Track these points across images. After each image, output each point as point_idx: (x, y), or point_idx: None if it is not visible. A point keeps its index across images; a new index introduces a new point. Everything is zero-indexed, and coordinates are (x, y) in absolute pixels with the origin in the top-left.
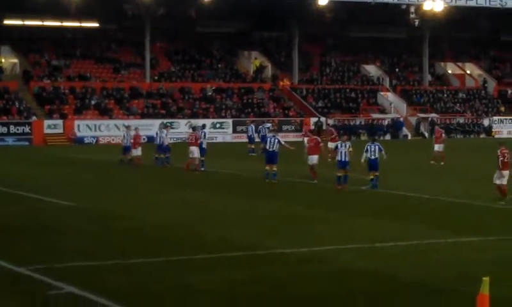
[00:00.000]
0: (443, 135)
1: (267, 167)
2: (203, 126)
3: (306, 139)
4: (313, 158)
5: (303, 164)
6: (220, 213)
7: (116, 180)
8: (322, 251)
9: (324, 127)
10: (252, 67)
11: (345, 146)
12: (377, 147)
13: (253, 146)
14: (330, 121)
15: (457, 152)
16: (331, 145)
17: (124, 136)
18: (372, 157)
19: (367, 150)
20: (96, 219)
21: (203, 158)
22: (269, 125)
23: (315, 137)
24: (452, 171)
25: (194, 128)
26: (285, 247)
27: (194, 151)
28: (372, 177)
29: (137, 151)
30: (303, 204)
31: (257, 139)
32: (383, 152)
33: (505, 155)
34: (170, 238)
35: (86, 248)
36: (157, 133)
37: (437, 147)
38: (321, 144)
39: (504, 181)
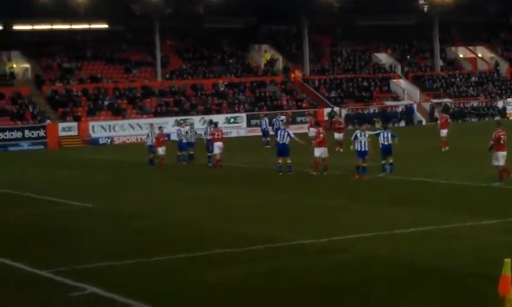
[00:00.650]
0: (449, 120)
1: (280, 160)
2: (210, 122)
3: (312, 130)
4: (319, 151)
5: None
6: (237, 207)
7: (131, 179)
8: (342, 241)
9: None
10: (263, 60)
11: (365, 135)
12: (389, 133)
13: (268, 139)
14: (336, 110)
15: (471, 135)
16: (337, 136)
17: (148, 135)
18: (386, 143)
19: (355, 137)
20: (113, 219)
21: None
22: (283, 117)
23: (320, 128)
24: (467, 154)
25: (216, 124)
26: (304, 239)
27: (221, 146)
28: (383, 162)
29: (161, 151)
30: (319, 195)
31: (272, 132)
32: (396, 139)
33: (501, 136)
34: (188, 235)
35: (105, 248)
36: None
37: (443, 132)
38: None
39: (502, 162)
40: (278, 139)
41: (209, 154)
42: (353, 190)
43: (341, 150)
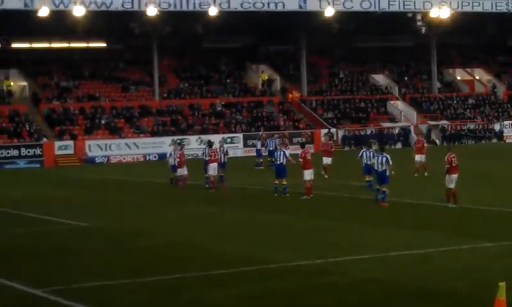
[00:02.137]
0: (425, 144)
1: (277, 181)
2: (209, 143)
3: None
4: (308, 173)
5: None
6: (232, 228)
7: (128, 198)
8: (338, 262)
9: (334, 138)
10: (260, 81)
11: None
12: (384, 158)
13: (261, 160)
14: (332, 131)
15: (468, 158)
16: (326, 161)
17: (171, 154)
18: (380, 169)
19: (361, 155)
20: (110, 238)
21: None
22: (277, 140)
23: (307, 149)
24: (463, 177)
25: (211, 145)
26: (299, 260)
27: (216, 168)
28: (378, 188)
29: (182, 171)
30: (315, 217)
31: (264, 153)
32: (390, 164)
33: (453, 159)
34: (184, 255)
35: (101, 268)
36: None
37: (418, 157)
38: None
39: (453, 185)
40: (275, 160)
41: (206, 175)
42: (348, 212)
43: (326, 176)
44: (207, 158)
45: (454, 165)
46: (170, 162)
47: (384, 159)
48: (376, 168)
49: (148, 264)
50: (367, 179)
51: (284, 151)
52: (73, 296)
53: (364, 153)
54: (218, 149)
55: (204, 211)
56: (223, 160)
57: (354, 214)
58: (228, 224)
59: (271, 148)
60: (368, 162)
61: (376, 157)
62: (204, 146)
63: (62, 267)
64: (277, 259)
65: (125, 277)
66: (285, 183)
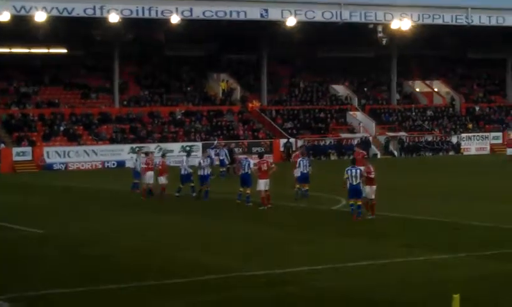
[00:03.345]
0: (366, 156)
1: (241, 189)
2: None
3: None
4: (263, 183)
5: (276, 186)
6: (192, 236)
7: (84, 206)
8: (295, 272)
9: (294, 148)
10: (220, 89)
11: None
12: (358, 171)
13: (224, 169)
14: (292, 141)
15: (426, 170)
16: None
17: (136, 160)
18: (354, 183)
19: (299, 165)
20: (65, 245)
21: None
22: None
23: (265, 160)
24: (422, 189)
25: (146, 153)
26: (258, 269)
27: (151, 176)
28: (352, 202)
29: (163, 179)
30: (275, 226)
31: (217, 162)
32: (364, 176)
33: (372, 171)
34: (141, 263)
35: (57, 275)
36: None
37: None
38: (272, 166)
39: (373, 196)
40: (241, 169)
41: (192, 185)
42: (307, 222)
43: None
44: (143, 166)
45: (371, 176)
46: (135, 167)
47: (358, 172)
48: (350, 181)
49: (102, 272)
50: (298, 186)
51: (249, 161)
52: (28, 304)
53: (301, 161)
54: (184, 161)
55: (164, 219)
56: (205, 173)
57: (313, 224)
58: (188, 233)
59: (221, 157)
60: (305, 171)
61: (350, 170)
62: (136, 156)
63: (16, 274)
64: (235, 268)
65: (80, 285)
66: (248, 192)
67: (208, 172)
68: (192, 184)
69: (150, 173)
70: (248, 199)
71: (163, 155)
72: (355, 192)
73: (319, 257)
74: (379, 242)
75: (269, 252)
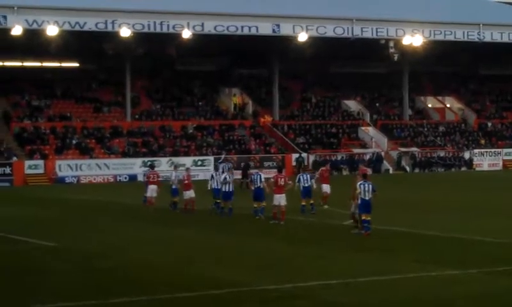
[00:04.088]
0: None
1: (255, 205)
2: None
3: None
4: (278, 198)
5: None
6: (204, 250)
7: (98, 219)
8: (306, 287)
9: (305, 163)
10: (232, 104)
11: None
12: (370, 186)
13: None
14: (304, 156)
15: (438, 185)
16: (325, 188)
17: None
18: (366, 198)
19: (299, 180)
20: (78, 259)
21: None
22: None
23: (283, 174)
24: (433, 204)
25: (152, 166)
26: (269, 284)
27: (154, 189)
28: (364, 218)
29: (190, 193)
30: (287, 241)
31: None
32: (376, 192)
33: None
34: (153, 277)
35: (68, 288)
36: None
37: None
38: (289, 182)
39: (357, 210)
40: (253, 183)
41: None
42: (319, 237)
43: (326, 206)
44: (146, 180)
45: (358, 192)
46: (173, 186)
47: (370, 187)
48: (362, 196)
49: (115, 286)
50: (303, 203)
51: (261, 175)
52: None
53: (301, 177)
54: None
55: (176, 233)
56: (229, 189)
57: (324, 239)
58: (200, 247)
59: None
60: (306, 185)
61: (362, 185)
62: (174, 172)
63: (28, 287)
64: (246, 283)
65: (92, 298)
66: (263, 204)
67: (232, 188)
68: (219, 200)
69: (153, 187)
70: (262, 212)
71: (187, 169)
72: (366, 206)
73: (330, 272)
74: (390, 257)
75: (280, 266)
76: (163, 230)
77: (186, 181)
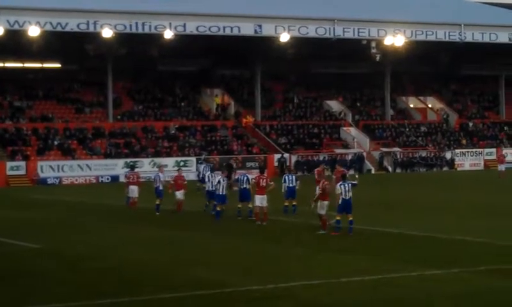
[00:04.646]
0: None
1: (239, 205)
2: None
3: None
4: (259, 199)
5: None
6: (189, 251)
7: (80, 220)
8: (289, 287)
9: (287, 163)
10: (214, 104)
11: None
12: (349, 185)
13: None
14: (286, 157)
15: (420, 185)
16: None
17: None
18: (347, 197)
19: (284, 180)
20: (63, 260)
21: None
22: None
23: (265, 176)
24: (416, 204)
25: (132, 167)
26: (252, 284)
27: (135, 190)
28: (338, 219)
29: (179, 195)
30: (270, 241)
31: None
32: (357, 182)
33: (327, 186)
34: (138, 278)
35: (55, 290)
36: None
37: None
38: (271, 183)
39: (324, 212)
40: (239, 184)
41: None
42: (302, 237)
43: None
44: (126, 180)
45: (327, 192)
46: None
47: (349, 186)
48: (343, 196)
49: (101, 287)
50: (286, 204)
51: (247, 176)
52: None
53: (286, 177)
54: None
55: (161, 234)
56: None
57: (306, 239)
58: (185, 248)
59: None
60: (290, 185)
61: (342, 185)
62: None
63: (15, 289)
64: (229, 283)
65: (78, 300)
66: (250, 206)
67: (225, 191)
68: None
69: (133, 187)
70: (250, 213)
71: (179, 169)
72: (347, 206)
73: (313, 272)
74: (373, 257)
75: (263, 267)
76: (149, 231)
77: (179, 182)
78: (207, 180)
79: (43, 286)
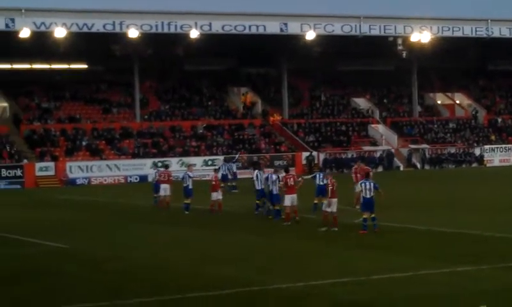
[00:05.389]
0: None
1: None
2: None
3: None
4: (289, 199)
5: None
6: (215, 250)
7: (109, 220)
8: (319, 285)
9: (315, 161)
10: (241, 103)
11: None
12: (372, 184)
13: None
14: (314, 155)
15: (449, 182)
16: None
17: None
18: (368, 196)
19: (315, 177)
20: (90, 260)
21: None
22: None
23: (292, 174)
24: (445, 200)
25: (166, 166)
26: (281, 282)
27: (167, 188)
28: (365, 217)
29: (216, 195)
30: (299, 239)
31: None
32: (380, 190)
33: (334, 183)
34: (164, 278)
35: (81, 290)
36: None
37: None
38: (298, 179)
39: (334, 209)
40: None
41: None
42: (331, 235)
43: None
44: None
45: (334, 189)
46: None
47: (372, 185)
48: (363, 195)
49: (127, 286)
50: (315, 201)
51: (273, 176)
52: None
53: (317, 174)
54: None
55: (186, 234)
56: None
57: (337, 237)
58: (210, 247)
59: (224, 172)
60: (321, 183)
61: (363, 183)
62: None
63: (42, 289)
64: (258, 282)
65: (104, 300)
66: (278, 207)
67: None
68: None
69: (165, 186)
70: (279, 214)
71: (216, 170)
72: (368, 205)
73: (342, 270)
74: (402, 254)
75: (292, 265)
76: (174, 231)
77: (213, 183)
78: (255, 178)
79: (67, 286)
